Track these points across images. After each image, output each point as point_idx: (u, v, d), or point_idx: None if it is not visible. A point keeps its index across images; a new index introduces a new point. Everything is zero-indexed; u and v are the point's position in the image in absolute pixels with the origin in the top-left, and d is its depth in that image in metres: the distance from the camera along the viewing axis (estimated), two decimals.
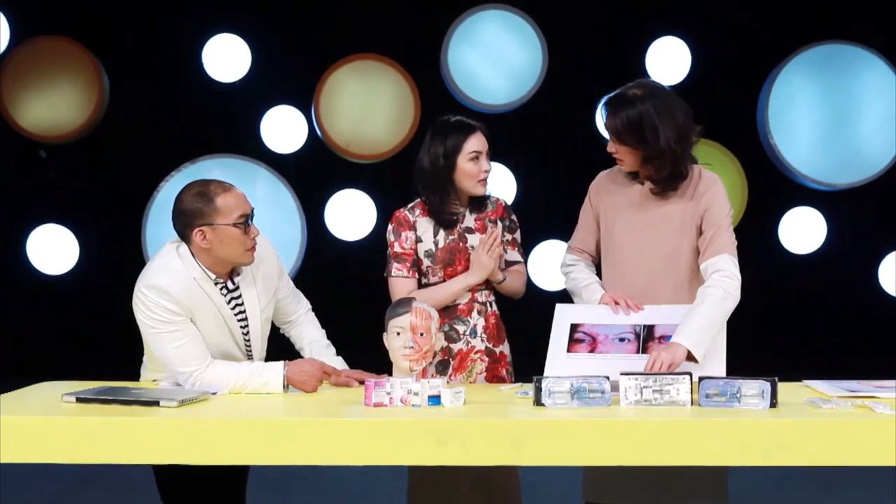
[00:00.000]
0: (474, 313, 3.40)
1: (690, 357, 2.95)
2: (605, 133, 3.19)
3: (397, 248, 3.41)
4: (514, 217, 3.53)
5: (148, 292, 2.97)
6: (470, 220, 3.44)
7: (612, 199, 3.27)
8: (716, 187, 3.19)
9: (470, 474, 3.14)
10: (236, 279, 3.11)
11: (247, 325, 3.14)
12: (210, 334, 3.05)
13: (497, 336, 3.45)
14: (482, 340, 3.39)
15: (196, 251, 3.03)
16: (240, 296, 3.12)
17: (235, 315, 3.11)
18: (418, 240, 3.41)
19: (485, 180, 3.39)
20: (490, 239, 3.34)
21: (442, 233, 3.41)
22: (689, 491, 3.12)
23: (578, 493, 3.24)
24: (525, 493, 3.44)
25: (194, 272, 3.03)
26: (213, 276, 3.05)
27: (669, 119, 3.08)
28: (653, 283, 3.19)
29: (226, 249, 3.01)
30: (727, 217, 3.18)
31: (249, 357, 3.16)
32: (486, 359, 3.40)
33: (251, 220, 3.05)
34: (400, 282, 3.39)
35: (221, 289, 3.07)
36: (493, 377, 3.40)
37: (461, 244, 3.40)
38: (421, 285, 3.43)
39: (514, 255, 3.51)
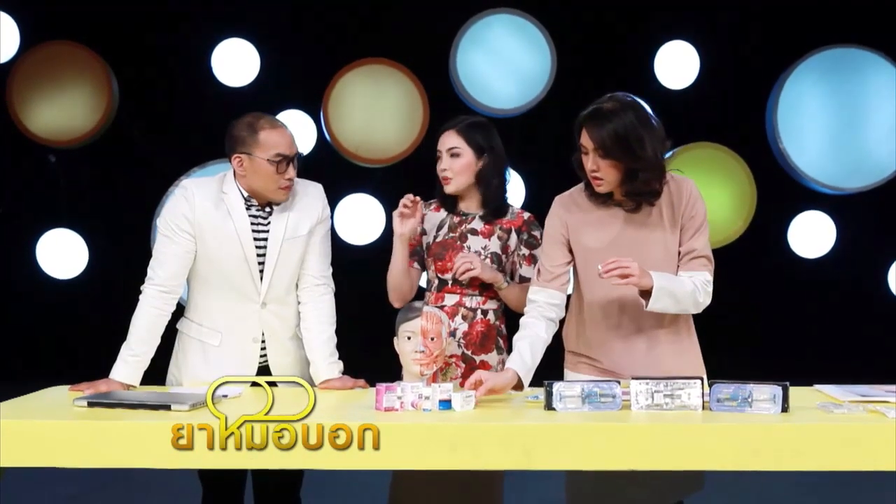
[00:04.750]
0: (458, 318, 3.34)
1: (644, 294, 2.91)
2: (585, 150, 3.05)
3: None
4: (536, 234, 3.39)
5: (176, 191, 3.23)
6: (479, 222, 3.40)
7: (582, 220, 3.12)
8: (694, 191, 3.08)
9: (452, 475, 3.05)
10: (274, 206, 3.24)
11: (265, 251, 3.22)
12: (219, 250, 3.18)
13: (480, 345, 3.35)
14: (459, 346, 3.33)
15: (238, 177, 3.20)
16: (268, 222, 3.23)
17: (255, 239, 3.21)
18: (423, 232, 3.44)
19: (447, 178, 3.38)
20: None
21: (444, 228, 3.42)
22: (666, 485, 3.02)
23: (562, 499, 3.15)
24: (510, 497, 3.40)
25: (229, 191, 3.20)
26: (247, 197, 3.21)
27: (652, 129, 2.98)
28: (636, 300, 3.03)
29: (258, 182, 3.17)
30: (706, 228, 3.07)
31: (260, 281, 3.23)
32: (463, 365, 3.33)
33: (292, 164, 3.17)
34: None
35: (252, 210, 3.21)
36: None
37: (458, 242, 3.37)
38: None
39: (529, 271, 3.36)
